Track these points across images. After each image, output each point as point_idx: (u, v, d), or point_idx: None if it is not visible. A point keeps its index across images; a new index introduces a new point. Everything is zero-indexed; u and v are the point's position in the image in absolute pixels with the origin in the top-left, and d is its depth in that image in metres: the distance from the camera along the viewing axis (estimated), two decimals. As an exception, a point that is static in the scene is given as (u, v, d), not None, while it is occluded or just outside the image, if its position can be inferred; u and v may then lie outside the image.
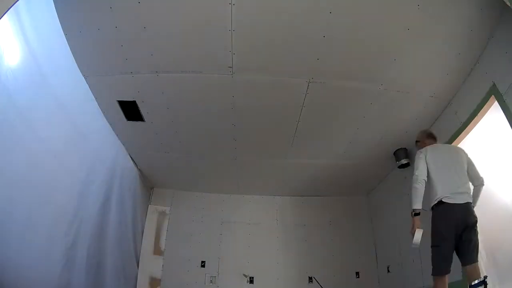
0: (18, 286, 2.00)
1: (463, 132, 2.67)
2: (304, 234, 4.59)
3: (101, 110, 3.01)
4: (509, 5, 1.66)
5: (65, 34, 2.31)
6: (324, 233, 4.58)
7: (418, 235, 2.01)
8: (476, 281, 1.84)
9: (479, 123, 2.56)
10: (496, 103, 2.27)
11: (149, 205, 4.53)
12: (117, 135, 3.40)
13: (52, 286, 2.37)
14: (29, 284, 2.10)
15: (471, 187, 2.16)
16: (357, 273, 4.36)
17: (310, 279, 4.32)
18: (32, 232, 2.11)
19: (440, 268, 1.95)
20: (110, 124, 3.22)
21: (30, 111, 2.08)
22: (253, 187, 4.63)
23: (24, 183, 2.04)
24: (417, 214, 2.07)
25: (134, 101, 2.91)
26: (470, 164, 2.22)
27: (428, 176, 2.14)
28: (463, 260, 1.95)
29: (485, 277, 1.83)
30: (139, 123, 3.19)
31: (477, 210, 2.09)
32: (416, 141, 2.50)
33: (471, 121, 2.56)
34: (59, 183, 2.43)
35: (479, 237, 2.01)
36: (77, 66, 2.53)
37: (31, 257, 2.12)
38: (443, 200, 2.03)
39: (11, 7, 1.48)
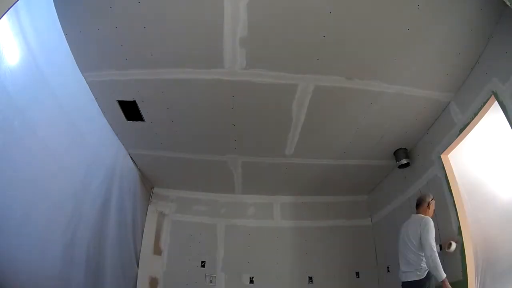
0: (16, 285, 1.99)
1: (463, 132, 2.67)
2: (304, 234, 4.59)
3: (101, 110, 3.01)
4: (509, 5, 1.66)
5: (65, 34, 2.30)
6: (324, 233, 4.58)
7: None
8: None
9: (479, 123, 2.56)
10: (496, 103, 2.27)
11: (149, 205, 4.52)
12: (117, 135, 3.39)
13: (51, 285, 2.37)
14: (27, 284, 2.10)
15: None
16: (357, 273, 4.36)
17: (310, 279, 4.32)
18: (28, 230, 2.11)
19: None
20: (110, 124, 3.22)
21: (29, 110, 2.08)
22: (253, 187, 4.63)
23: (22, 182, 2.04)
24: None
25: (134, 101, 2.91)
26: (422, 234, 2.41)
27: None
28: None
29: None
30: (139, 123, 3.19)
31: (477, 210, 2.10)
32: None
33: (471, 121, 2.56)
34: (57, 182, 2.43)
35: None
36: (77, 66, 2.53)
37: (28, 256, 2.12)
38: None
39: (11, 7, 1.48)
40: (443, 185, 2.91)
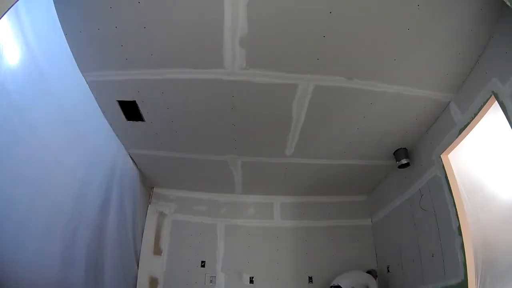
0: (16, 285, 1.99)
1: (463, 132, 2.67)
2: (304, 234, 4.59)
3: (101, 110, 3.01)
4: (509, 5, 1.66)
5: (65, 34, 2.30)
6: (324, 233, 4.58)
7: None
8: None
9: (479, 123, 2.56)
10: (496, 103, 2.27)
11: (149, 205, 4.52)
12: (117, 135, 3.39)
13: (51, 285, 2.37)
14: (26, 284, 2.10)
15: None
16: (357, 273, 4.35)
17: (310, 279, 4.32)
18: (28, 230, 2.11)
19: None
20: (110, 124, 3.21)
21: (29, 111, 2.08)
22: (253, 187, 4.63)
23: (22, 182, 2.04)
24: None
25: (134, 101, 2.91)
26: None
27: None
28: None
29: None
30: (139, 123, 3.19)
31: (477, 210, 2.10)
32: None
33: (471, 121, 2.56)
34: (57, 182, 2.43)
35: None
36: (76, 66, 2.53)
37: (28, 256, 2.12)
38: None
39: (11, 7, 1.48)
40: (443, 185, 2.91)
